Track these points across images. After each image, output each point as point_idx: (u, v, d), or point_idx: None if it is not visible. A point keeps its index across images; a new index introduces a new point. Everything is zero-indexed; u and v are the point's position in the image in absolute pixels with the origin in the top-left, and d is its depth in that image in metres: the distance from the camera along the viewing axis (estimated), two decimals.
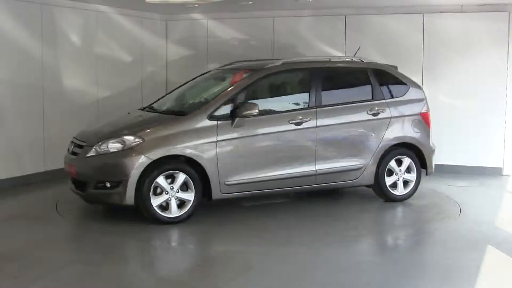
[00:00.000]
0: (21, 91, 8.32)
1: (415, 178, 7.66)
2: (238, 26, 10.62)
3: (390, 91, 7.70)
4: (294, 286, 4.92)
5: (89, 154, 6.63)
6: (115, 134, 6.69)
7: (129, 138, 6.52)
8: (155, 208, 6.43)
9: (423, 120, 7.74)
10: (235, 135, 6.76)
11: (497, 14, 9.09)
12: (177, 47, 11.06)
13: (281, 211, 7.27)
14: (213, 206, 7.30)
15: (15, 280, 4.93)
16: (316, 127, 7.14)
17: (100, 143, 6.59)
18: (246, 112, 6.74)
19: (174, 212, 6.51)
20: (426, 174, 7.81)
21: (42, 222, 6.75)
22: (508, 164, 9.31)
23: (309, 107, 7.22)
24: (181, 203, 6.56)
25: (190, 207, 6.55)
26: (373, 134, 7.43)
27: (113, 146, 6.53)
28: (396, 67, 8.07)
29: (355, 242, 6.31)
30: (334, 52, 9.83)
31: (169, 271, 5.32)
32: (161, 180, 6.43)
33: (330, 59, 7.95)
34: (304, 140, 7.15)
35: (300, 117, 7.10)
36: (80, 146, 6.83)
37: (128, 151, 6.44)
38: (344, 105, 7.41)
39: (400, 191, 7.60)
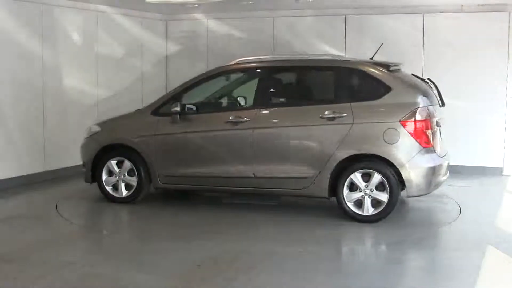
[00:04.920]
0: (21, 91, 8.32)
1: (387, 198, 6.40)
2: (239, 26, 10.62)
3: (359, 93, 6.80)
4: (295, 286, 4.93)
5: (83, 139, 7.72)
6: (95, 123, 7.75)
7: (93, 127, 7.62)
8: (107, 188, 7.35)
9: (405, 130, 6.38)
10: (170, 130, 7.17)
11: (497, 14, 9.09)
12: (177, 47, 11.06)
13: (281, 212, 7.28)
14: (212, 205, 7.31)
15: (15, 280, 4.93)
16: (253, 128, 6.83)
17: (86, 131, 7.70)
18: (172, 110, 7.08)
19: (121, 193, 7.33)
20: (407, 196, 6.58)
21: (42, 222, 6.76)
22: (508, 164, 9.31)
23: (251, 108, 7.06)
24: (132, 186, 7.32)
25: (134, 190, 7.29)
26: (325, 141, 6.57)
27: (88, 133, 7.61)
28: (397, 64, 7.13)
29: (355, 241, 6.32)
30: (334, 51, 9.83)
31: (169, 271, 5.32)
32: (111, 164, 7.31)
33: (296, 57, 7.65)
34: (239, 141, 6.91)
35: (234, 117, 6.93)
36: None
37: (91, 137, 7.55)
38: (292, 107, 6.97)
39: (365, 210, 6.47)
